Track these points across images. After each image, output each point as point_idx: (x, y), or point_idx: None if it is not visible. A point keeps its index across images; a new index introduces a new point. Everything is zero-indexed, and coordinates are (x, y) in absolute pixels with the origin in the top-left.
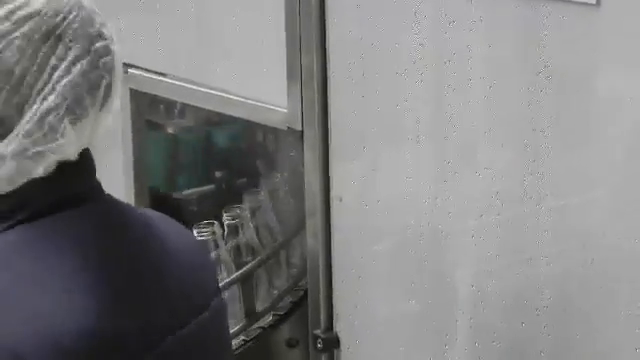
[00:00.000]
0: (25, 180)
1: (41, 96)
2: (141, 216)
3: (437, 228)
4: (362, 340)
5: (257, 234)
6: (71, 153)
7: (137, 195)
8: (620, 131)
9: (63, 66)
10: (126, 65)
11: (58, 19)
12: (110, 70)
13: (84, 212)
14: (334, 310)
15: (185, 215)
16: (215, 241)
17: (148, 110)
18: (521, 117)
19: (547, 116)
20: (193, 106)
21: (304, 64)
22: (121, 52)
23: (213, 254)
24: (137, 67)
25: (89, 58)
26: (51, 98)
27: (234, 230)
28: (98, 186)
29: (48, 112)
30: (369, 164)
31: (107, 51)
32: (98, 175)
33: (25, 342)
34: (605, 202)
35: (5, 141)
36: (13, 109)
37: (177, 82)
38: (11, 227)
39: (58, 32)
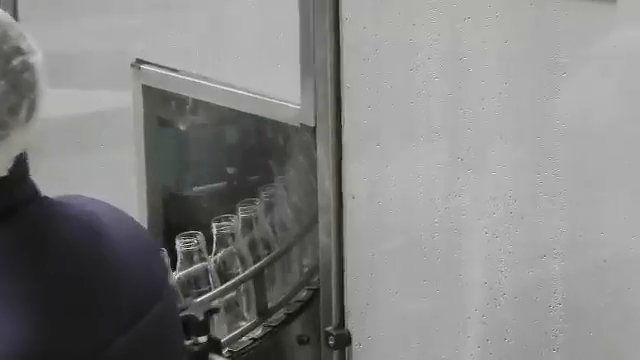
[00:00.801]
0: None
1: None
2: (80, 211)
3: (450, 225)
4: (374, 337)
5: (272, 229)
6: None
7: (149, 192)
8: (636, 129)
9: None
10: (138, 61)
11: None
12: (32, 86)
13: (16, 222)
14: (346, 307)
15: (197, 212)
16: (256, 218)
17: (160, 107)
18: (535, 114)
19: (561, 113)
20: (205, 102)
21: (318, 60)
22: (43, 60)
23: (250, 235)
24: (149, 63)
25: (6, 79)
26: None
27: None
28: (31, 191)
29: None
30: (382, 161)
31: (26, 66)
32: (110, 172)
33: None
34: (618, 200)
35: None
36: None
37: (189, 78)
38: None
39: None
